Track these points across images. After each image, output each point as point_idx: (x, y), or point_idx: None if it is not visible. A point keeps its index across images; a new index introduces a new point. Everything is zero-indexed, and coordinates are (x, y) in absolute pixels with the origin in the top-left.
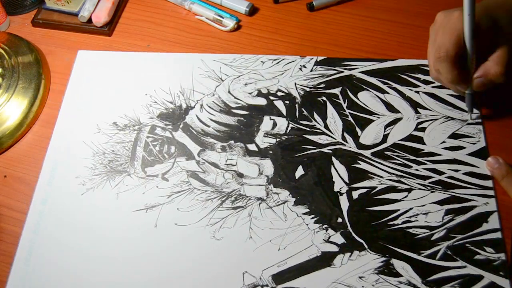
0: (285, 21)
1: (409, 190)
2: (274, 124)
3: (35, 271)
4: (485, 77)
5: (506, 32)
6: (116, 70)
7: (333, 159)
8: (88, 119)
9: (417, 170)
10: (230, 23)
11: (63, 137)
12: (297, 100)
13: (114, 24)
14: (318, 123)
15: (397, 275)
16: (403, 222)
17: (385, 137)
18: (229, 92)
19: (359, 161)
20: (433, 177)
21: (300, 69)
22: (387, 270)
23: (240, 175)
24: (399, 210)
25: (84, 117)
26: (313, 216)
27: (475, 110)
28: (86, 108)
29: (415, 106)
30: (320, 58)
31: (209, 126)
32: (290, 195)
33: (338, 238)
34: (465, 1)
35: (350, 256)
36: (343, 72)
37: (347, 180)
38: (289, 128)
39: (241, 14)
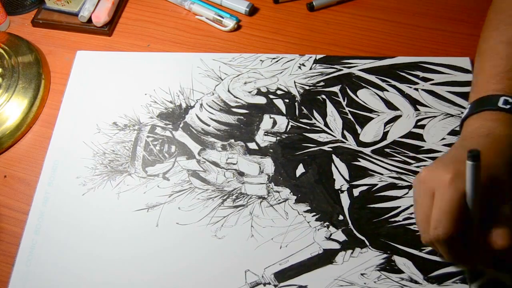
0: (285, 21)
1: (409, 187)
2: (274, 123)
3: (36, 272)
4: (491, 249)
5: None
6: (115, 70)
7: (334, 157)
8: (88, 119)
9: (417, 167)
10: (230, 23)
11: (63, 138)
12: (296, 99)
13: (114, 24)
14: (318, 121)
15: (399, 271)
16: (404, 219)
17: (385, 135)
18: (228, 91)
19: (359, 159)
20: None
21: (299, 67)
22: (388, 266)
23: (241, 174)
24: (400, 207)
25: (84, 117)
26: (314, 214)
27: None
28: (85, 108)
29: (415, 103)
30: (319, 56)
31: (209, 125)
32: (291, 193)
33: (340, 236)
34: (468, 167)
35: (352, 253)
36: (342, 70)
37: (347, 178)
38: (289, 127)
39: (241, 14)
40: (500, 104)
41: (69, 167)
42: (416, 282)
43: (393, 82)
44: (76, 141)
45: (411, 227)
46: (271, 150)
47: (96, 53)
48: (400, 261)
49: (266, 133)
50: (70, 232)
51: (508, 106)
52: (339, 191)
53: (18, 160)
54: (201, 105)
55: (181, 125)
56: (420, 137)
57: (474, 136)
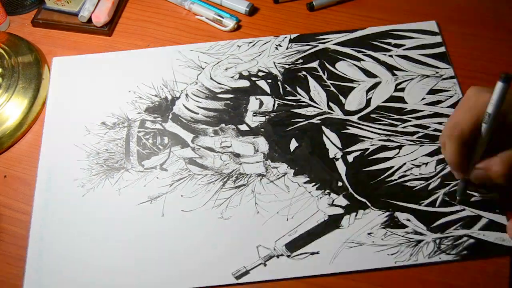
0: (285, 21)
1: (399, 147)
2: (261, 103)
3: (46, 277)
4: (486, 171)
5: None
6: (95, 72)
7: (323, 128)
8: (75, 123)
9: (403, 127)
10: (230, 23)
11: (54, 144)
12: (278, 78)
13: (114, 24)
14: (303, 97)
15: (403, 226)
16: (400, 177)
17: (368, 101)
18: (211, 78)
19: (348, 127)
20: (419, 132)
21: (276, 48)
22: (392, 223)
23: (237, 155)
24: (393, 166)
25: (71, 121)
26: (314, 183)
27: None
28: (71, 113)
29: (391, 69)
30: (293, 36)
31: (197, 113)
32: (289, 167)
33: (342, 201)
34: (497, 87)
35: (356, 215)
36: (317, 46)
37: (340, 146)
38: (276, 105)
39: (241, 14)
40: None
41: (65, 171)
42: (420, 233)
43: (368, 52)
44: (67, 145)
45: (408, 183)
46: (262, 129)
47: (72, 57)
48: (402, 216)
49: (254, 114)
50: (75, 235)
51: None
52: (334, 159)
53: (18, 160)
54: (187, 95)
55: (170, 117)
56: (401, 100)
57: None
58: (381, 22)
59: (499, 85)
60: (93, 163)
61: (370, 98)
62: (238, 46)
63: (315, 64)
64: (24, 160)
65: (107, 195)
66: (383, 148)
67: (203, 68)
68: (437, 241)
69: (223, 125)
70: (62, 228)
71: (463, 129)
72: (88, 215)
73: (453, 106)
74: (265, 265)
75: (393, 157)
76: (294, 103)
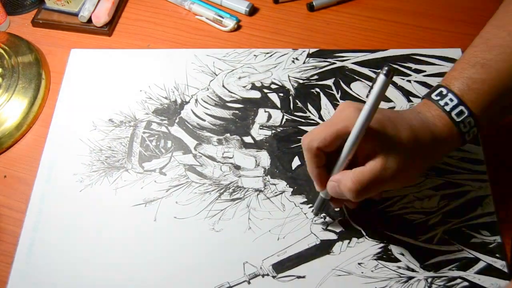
0: (285, 21)
1: None
2: (269, 116)
3: (35, 269)
4: (338, 185)
5: (399, 147)
6: (109, 68)
7: None
8: (83, 116)
9: None
10: (230, 23)
11: (60, 135)
12: (291, 92)
13: (114, 24)
14: (313, 114)
15: (396, 260)
16: (400, 209)
17: None
18: (223, 86)
19: None
20: None
21: (293, 61)
22: (385, 255)
23: (237, 167)
24: (395, 197)
25: (80, 115)
26: (311, 205)
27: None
28: (81, 106)
29: (407, 94)
30: (312, 50)
31: (204, 120)
32: (288, 186)
33: (336, 226)
34: (371, 95)
35: (349, 243)
36: (335, 63)
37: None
38: (284, 120)
39: (241, 14)
40: (433, 95)
41: (66, 165)
42: (412, 270)
43: None
44: (73, 139)
45: (407, 216)
46: (267, 144)
47: (90, 50)
48: (396, 250)
49: (261, 127)
50: (68, 228)
51: (437, 98)
52: None
53: (18, 160)
54: (196, 100)
55: (176, 121)
56: None
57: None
58: (381, 22)
59: (380, 78)
60: (95, 159)
61: None
62: (255, 55)
63: (330, 82)
64: (24, 160)
65: (103, 193)
66: None
67: (216, 75)
68: (429, 280)
69: (228, 135)
70: (56, 220)
71: (320, 141)
72: (82, 210)
73: None
74: (249, 283)
75: None
76: (303, 120)
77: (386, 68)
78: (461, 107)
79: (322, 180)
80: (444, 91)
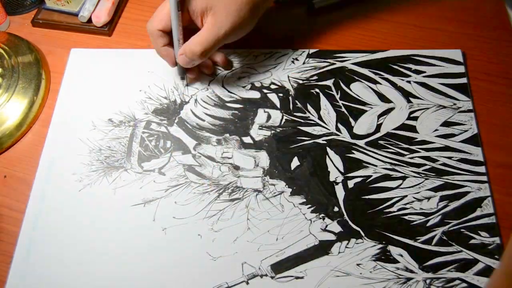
0: (285, 21)
1: (403, 178)
2: (269, 117)
3: (34, 268)
4: (186, 55)
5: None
6: (109, 67)
7: (328, 149)
8: (83, 116)
9: (411, 158)
10: None
11: (59, 135)
12: (290, 93)
13: (114, 24)
14: (312, 115)
15: (394, 261)
16: (399, 210)
17: (378, 127)
18: (223, 86)
19: (353, 151)
20: (426, 164)
21: (293, 62)
22: (384, 256)
23: (236, 168)
24: (394, 197)
25: (79, 114)
26: (309, 206)
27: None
28: (80, 105)
29: (407, 95)
30: (312, 50)
31: (204, 120)
32: (287, 186)
33: (335, 227)
34: None
35: (347, 244)
36: (335, 64)
37: (342, 170)
38: (284, 120)
39: None
40: None
41: (65, 164)
42: (411, 271)
43: (386, 75)
44: (72, 138)
45: (406, 217)
46: (266, 144)
47: (90, 50)
48: (395, 251)
49: (260, 127)
50: (67, 228)
51: None
52: (334, 183)
53: (18, 160)
54: (196, 100)
55: (176, 121)
56: (413, 129)
57: None
58: (381, 22)
59: None
60: (94, 159)
61: (381, 123)
62: (254, 56)
63: (329, 82)
64: (24, 160)
65: (102, 193)
66: (386, 177)
67: (216, 75)
68: (428, 281)
69: (227, 135)
70: (55, 219)
71: (158, 23)
72: (81, 209)
73: (466, 141)
74: (247, 283)
75: (395, 188)
76: (302, 120)
77: None
78: None
79: (171, 57)
80: None
